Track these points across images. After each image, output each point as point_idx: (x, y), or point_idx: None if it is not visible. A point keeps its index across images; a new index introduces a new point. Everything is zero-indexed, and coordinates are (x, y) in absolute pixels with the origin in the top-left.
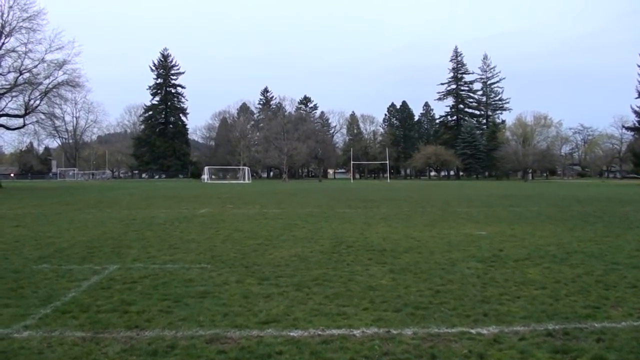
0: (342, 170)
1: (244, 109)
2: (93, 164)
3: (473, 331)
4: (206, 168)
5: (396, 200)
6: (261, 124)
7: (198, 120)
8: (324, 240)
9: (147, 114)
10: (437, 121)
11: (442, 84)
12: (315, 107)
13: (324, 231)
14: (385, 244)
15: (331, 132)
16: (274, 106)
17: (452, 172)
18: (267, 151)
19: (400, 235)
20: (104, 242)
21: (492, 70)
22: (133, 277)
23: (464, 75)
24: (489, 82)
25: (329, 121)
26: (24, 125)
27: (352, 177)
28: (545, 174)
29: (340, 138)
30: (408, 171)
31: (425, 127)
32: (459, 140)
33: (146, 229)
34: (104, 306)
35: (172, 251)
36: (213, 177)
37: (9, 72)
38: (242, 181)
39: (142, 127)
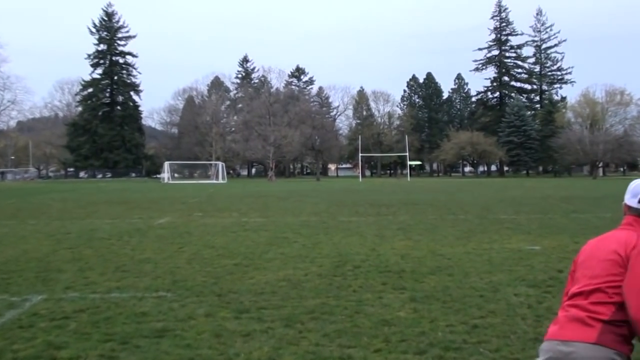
0: (348, 166)
1: (216, 84)
2: (11, 159)
3: None
4: (167, 164)
5: (419, 204)
6: (240, 105)
7: (155, 100)
8: (323, 259)
9: (85, 92)
10: (474, 99)
11: (481, 49)
12: (311, 82)
13: (323, 247)
14: (404, 263)
15: (333, 114)
16: (257, 81)
17: (493, 167)
18: (247, 140)
19: (424, 251)
20: (25, 265)
21: (548, 30)
22: (65, 311)
23: (509, 38)
24: (543, 47)
25: (330, 100)
26: None
27: (360, 175)
28: (622, 169)
29: (344, 122)
30: (435, 166)
31: (458, 107)
32: (503, 124)
33: (84, 246)
34: (23, 351)
35: (120, 275)
36: (176, 175)
37: None
38: (214, 180)
39: (80, 109)
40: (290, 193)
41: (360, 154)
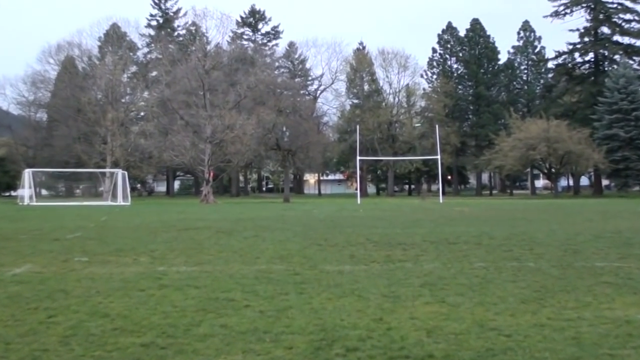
0: (338, 177)
1: (114, 38)
2: None
3: None
4: (27, 173)
5: (457, 243)
6: (154, 73)
7: (7, 64)
8: (294, 335)
9: None
10: (551, 65)
11: None
12: (275, 35)
13: (295, 316)
14: (433, 343)
15: (312, 89)
16: (183, 32)
17: (584, 180)
18: (167, 134)
19: (465, 323)
20: None
21: None
22: None
23: None
24: None
25: (308, 66)
26: None
27: (359, 192)
28: None
29: (332, 104)
30: (485, 178)
31: (524, 77)
32: (601, 107)
33: None
34: None
35: None
36: (45, 192)
37: None
38: (110, 202)
39: None
40: (239, 223)
41: (358, 158)
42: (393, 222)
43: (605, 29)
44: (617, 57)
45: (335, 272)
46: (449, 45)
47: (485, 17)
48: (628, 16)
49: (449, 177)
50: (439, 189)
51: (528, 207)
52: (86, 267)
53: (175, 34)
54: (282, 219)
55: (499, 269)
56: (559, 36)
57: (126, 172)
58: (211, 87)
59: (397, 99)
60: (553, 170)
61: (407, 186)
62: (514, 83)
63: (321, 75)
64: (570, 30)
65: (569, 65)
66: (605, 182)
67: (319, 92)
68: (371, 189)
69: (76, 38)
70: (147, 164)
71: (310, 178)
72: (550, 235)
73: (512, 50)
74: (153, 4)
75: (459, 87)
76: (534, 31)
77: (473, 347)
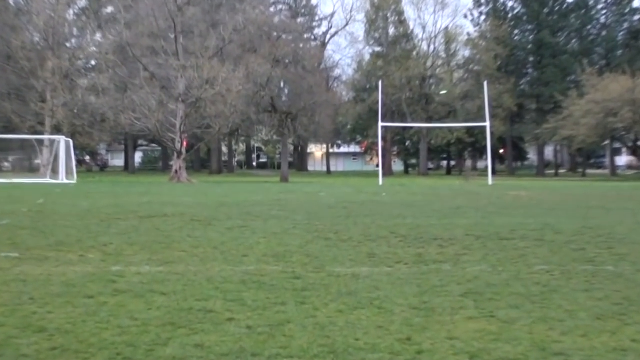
0: (353, 150)
1: None
2: None
3: None
4: None
5: (512, 239)
6: (109, 8)
7: None
8: None
9: None
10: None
11: None
12: None
13: (294, 333)
14: None
15: (321, 32)
16: None
17: None
18: (126, 89)
19: (522, 344)
20: None
21: None
22: None
23: None
24: None
25: (314, 1)
26: None
27: (381, 170)
28: None
29: (346, 52)
30: (550, 152)
31: (601, 21)
32: None
33: None
34: None
35: None
36: None
37: None
38: (48, 179)
39: None
40: (221, 209)
41: (381, 124)
42: (426, 210)
43: None
44: None
45: (348, 276)
46: None
47: None
48: None
49: (501, 151)
50: (487, 167)
51: (606, 192)
52: (16, 266)
53: None
54: (278, 204)
55: (566, 274)
56: None
57: (71, 140)
58: (185, 29)
59: (432, 46)
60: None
61: (445, 162)
62: (589, 27)
63: (332, 15)
64: None
65: None
66: None
67: (328, 36)
68: (397, 165)
69: None
70: (100, 130)
71: (317, 150)
72: (636, 230)
73: None
74: None
75: (515, 31)
76: None
77: None
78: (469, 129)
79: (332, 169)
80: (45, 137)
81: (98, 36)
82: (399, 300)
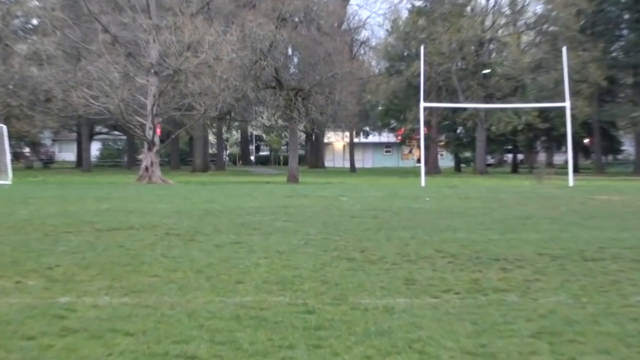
0: (385, 140)
1: None
2: None
3: None
4: None
5: (599, 258)
6: None
7: None
8: None
9: None
10: None
11: None
12: None
13: None
14: None
15: None
16: None
17: None
18: (79, 58)
19: None
20: None
21: None
22: None
23: None
24: None
25: None
26: None
27: (422, 166)
28: None
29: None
30: None
31: None
32: None
33: None
34: None
35: None
36: None
37: None
38: None
39: None
40: (207, 220)
41: (423, 104)
42: (484, 221)
43: None
44: None
45: (379, 310)
46: None
47: None
48: None
49: (586, 141)
50: (567, 162)
51: None
52: None
53: None
54: (284, 213)
55: None
56: None
57: (4, 127)
58: None
59: (492, 0)
60: None
61: (509, 156)
62: None
63: None
64: None
65: None
66: None
67: None
68: (445, 160)
69: None
70: (43, 112)
71: (337, 140)
72: None
73: None
74: None
75: None
76: None
77: None
78: (542, 110)
79: (357, 165)
80: None
81: None
82: (447, 342)
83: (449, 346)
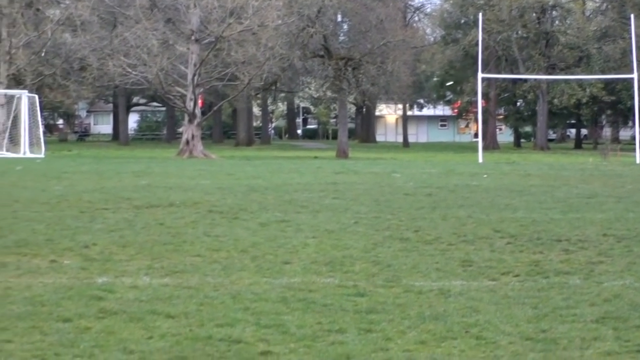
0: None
1: None
2: None
3: None
4: None
5: None
6: None
7: None
8: None
9: None
10: None
11: None
12: None
13: None
14: None
15: None
16: None
17: None
18: (115, 24)
19: None
20: None
21: None
22: None
23: None
24: None
25: None
26: None
27: (480, 141)
28: None
29: None
30: None
31: None
32: None
33: None
34: None
35: None
36: None
37: None
38: (3, 152)
39: None
40: (252, 196)
41: (481, 75)
42: (545, 200)
43: None
44: None
45: (433, 293)
46: None
47: None
48: None
49: None
50: (634, 138)
51: None
52: None
53: None
54: (333, 190)
55: None
56: None
57: (37, 97)
58: None
59: None
60: None
61: (572, 131)
62: None
63: None
64: None
65: None
66: None
67: None
68: (505, 135)
69: None
70: (78, 82)
71: (389, 113)
72: None
73: None
74: None
75: None
76: None
77: None
78: (607, 82)
79: (411, 139)
80: (0, 91)
81: None
82: (505, 327)
83: (507, 331)
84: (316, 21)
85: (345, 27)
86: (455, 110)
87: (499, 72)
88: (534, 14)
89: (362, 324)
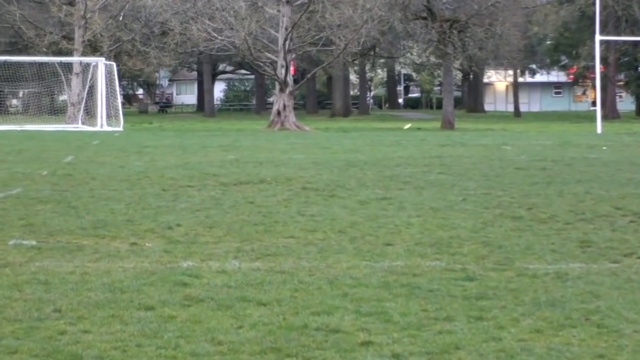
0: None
1: None
2: None
3: None
4: None
5: None
6: None
7: None
8: None
9: None
10: None
11: None
12: None
13: None
14: None
15: None
16: None
17: None
18: None
19: None
20: None
21: None
22: None
23: None
24: None
25: None
26: None
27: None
28: None
29: None
30: None
31: None
32: None
33: None
34: None
35: None
36: None
37: None
38: (79, 125)
39: None
40: (349, 172)
41: (599, 38)
42: None
43: None
44: None
45: (550, 277)
46: None
47: None
48: None
49: None
50: None
51: None
52: (33, 260)
53: None
54: (439, 164)
55: None
56: None
57: (114, 65)
58: None
59: None
60: None
61: None
62: None
63: None
64: None
65: None
66: None
67: None
68: (625, 103)
69: None
70: (159, 48)
71: (498, 80)
72: None
73: None
74: None
75: None
76: None
77: None
78: None
79: (522, 108)
80: (75, 59)
81: None
82: (629, 314)
83: (632, 318)
84: None
85: None
86: (571, 77)
87: (619, 34)
88: None
89: (472, 311)
